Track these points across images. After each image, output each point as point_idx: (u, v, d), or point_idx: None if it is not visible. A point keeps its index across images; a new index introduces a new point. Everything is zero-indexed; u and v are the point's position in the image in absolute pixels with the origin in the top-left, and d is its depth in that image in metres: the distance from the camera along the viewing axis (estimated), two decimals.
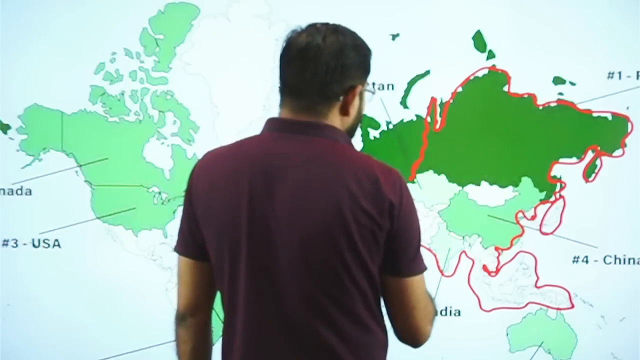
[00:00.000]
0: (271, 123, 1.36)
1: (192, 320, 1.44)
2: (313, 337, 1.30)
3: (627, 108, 2.25)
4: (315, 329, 1.30)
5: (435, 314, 1.41)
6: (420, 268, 1.34)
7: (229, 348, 1.38)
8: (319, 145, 1.31)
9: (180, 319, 1.45)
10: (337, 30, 1.35)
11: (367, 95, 1.41)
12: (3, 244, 2.43)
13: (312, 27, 1.35)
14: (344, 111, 1.34)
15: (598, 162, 2.27)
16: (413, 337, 1.36)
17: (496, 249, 2.32)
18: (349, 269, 1.28)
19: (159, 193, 2.36)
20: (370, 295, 1.32)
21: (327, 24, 1.37)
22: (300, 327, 1.30)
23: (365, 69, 1.37)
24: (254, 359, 1.33)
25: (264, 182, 1.29)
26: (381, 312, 1.37)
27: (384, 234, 1.28)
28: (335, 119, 1.34)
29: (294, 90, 1.33)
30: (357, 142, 2.29)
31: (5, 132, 2.39)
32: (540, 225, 2.30)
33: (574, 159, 2.28)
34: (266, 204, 1.28)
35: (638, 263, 2.29)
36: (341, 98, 1.33)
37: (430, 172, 2.31)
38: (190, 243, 1.39)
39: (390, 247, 1.30)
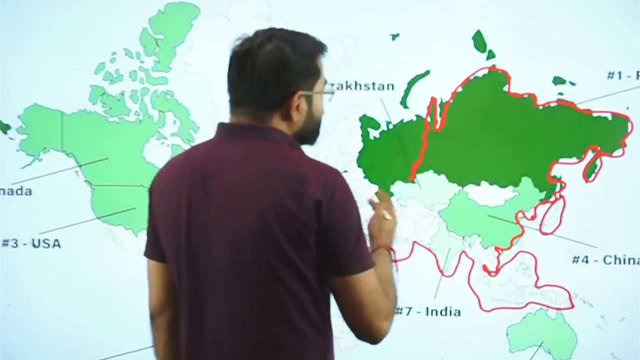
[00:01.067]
0: (219, 128, 1.39)
1: (159, 319, 1.48)
2: (243, 343, 1.31)
3: (627, 108, 2.25)
4: (245, 334, 1.30)
5: (394, 308, 1.39)
6: (363, 265, 1.31)
7: (182, 349, 1.42)
8: (255, 147, 1.32)
9: (151, 319, 1.50)
10: (275, 37, 1.34)
11: (326, 95, 1.42)
12: (3, 244, 2.43)
13: (254, 35, 1.36)
14: (286, 117, 1.34)
15: (598, 162, 2.27)
16: (366, 334, 1.35)
17: (496, 249, 2.32)
18: (276, 272, 1.27)
19: None
20: (306, 299, 1.30)
21: (269, 30, 1.37)
22: (232, 333, 1.31)
23: (309, 74, 1.35)
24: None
25: (202, 187, 1.32)
26: (324, 315, 1.35)
27: (313, 233, 1.26)
28: (279, 123, 1.35)
29: (235, 98, 1.36)
30: (357, 142, 2.31)
31: (5, 132, 2.39)
32: (540, 225, 2.30)
33: (574, 159, 2.28)
34: (203, 208, 1.31)
35: (638, 263, 2.29)
36: (282, 105, 1.33)
37: (430, 172, 2.31)
38: (153, 246, 1.44)
39: (325, 247, 1.28)
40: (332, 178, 1.29)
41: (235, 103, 1.36)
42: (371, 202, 1.64)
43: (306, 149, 2.31)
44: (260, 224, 1.26)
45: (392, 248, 1.53)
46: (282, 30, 1.38)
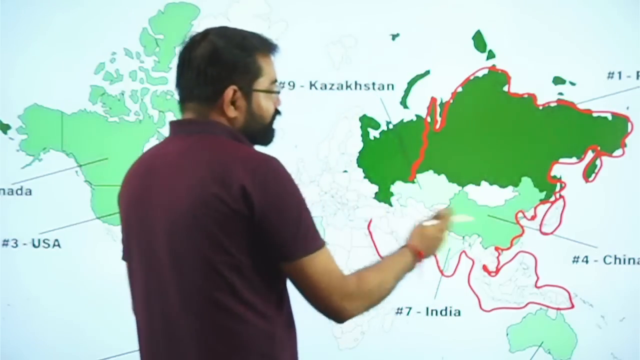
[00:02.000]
0: (169, 126, 1.42)
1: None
2: (189, 331, 1.32)
3: (627, 108, 2.25)
4: (188, 322, 1.31)
5: (366, 293, 1.36)
6: (308, 248, 1.29)
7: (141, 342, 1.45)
8: (193, 140, 1.33)
9: (136, 321, 1.50)
10: (210, 34, 1.35)
11: (274, 96, 1.41)
12: (3, 244, 2.43)
13: (194, 34, 1.38)
14: (222, 112, 1.34)
15: (598, 162, 2.27)
16: (328, 314, 1.34)
17: (496, 249, 2.32)
18: (208, 259, 1.27)
19: None
20: (242, 285, 1.29)
21: (206, 29, 1.38)
22: (176, 322, 1.33)
23: (246, 69, 1.34)
24: (150, 357, 1.40)
25: (146, 186, 1.35)
26: (268, 300, 1.33)
27: (245, 221, 1.25)
28: (219, 119, 1.35)
29: (179, 95, 1.38)
30: (357, 142, 2.31)
31: (5, 132, 2.39)
32: (540, 225, 2.30)
33: (574, 159, 2.28)
34: (147, 206, 1.34)
35: (638, 263, 2.29)
36: (217, 100, 1.33)
37: (430, 172, 2.31)
38: (125, 249, 1.46)
39: (264, 234, 1.27)
40: (263, 164, 1.28)
41: (180, 100, 1.39)
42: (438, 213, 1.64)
43: (306, 149, 2.32)
44: (191, 214, 1.27)
45: (418, 250, 1.52)
46: (224, 27, 1.40)
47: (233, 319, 1.30)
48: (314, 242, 1.31)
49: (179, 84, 1.38)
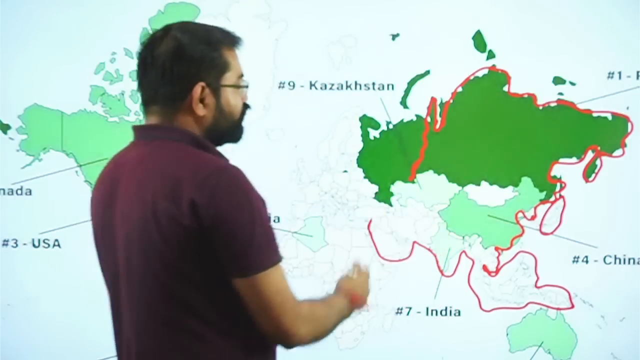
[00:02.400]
0: (133, 131, 1.36)
1: None
2: (145, 348, 1.29)
3: (627, 108, 2.25)
4: (145, 339, 1.28)
5: (314, 320, 1.29)
6: (262, 265, 1.21)
7: None
8: (153, 148, 1.28)
9: None
10: (172, 29, 1.29)
11: (242, 90, 1.35)
12: (3, 244, 2.43)
13: (156, 30, 1.33)
14: (191, 111, 1.28)
15: (598, 162, 2.27)
16: (276, 337, 1.25)
17: (496, 249, 2.32)
18: (159, 277, 1.23)
19: None
20: (199, 302, 1.23)
21: (168, 25, 1.32)
22: (136, 339, 1.30)
23: (212, 64, 1.28)
24: None
25: (110, 194, 1.31)
26: (229, 317, 1.25)
27: (196, 235, 1.19)
28: (186, 120, 1.29)
29: (143, 97, 1.33)
30: (357, 142, 2.31)
31: (5, 132, 2.39)
32: (540, 225, 2.30)
33: (574, 159, 2.28)
34: (111, 213, 1.30)
35: (638, 263, 2.29)
36: (185, 98, 1.27)
37: (430, 172, 2.31)
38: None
39: (215, 248, 1.20)
40: (214, 175, 1.20)
41: (144, 102, 1.33)
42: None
43: (306, 149, 2.32)
44: (142, 228, 1.22)
45: (354, 295, 1.44)
46: (186, 22, 1.35)
47: (192, 339, 1.24)
48: (268, 258, 1.22)
49: (142, 86, 1.32)
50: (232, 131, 1.35)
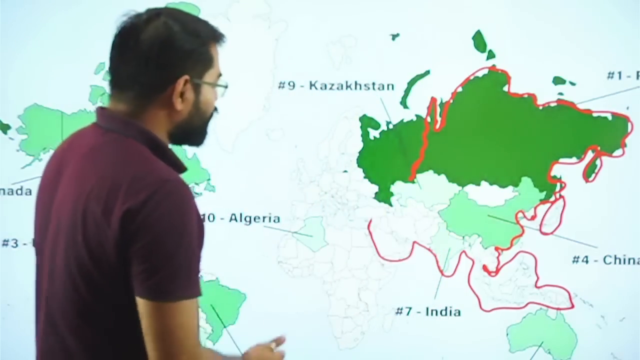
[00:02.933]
0: (96, 112, 1.28)
1: None
2: (52, 350, 1.23)
3: (627, 108, 2.25)
4: (53, 343, 1.22)
5: (206, 358, 1.20)
6: (176, 294, 1.11)
7: None
8: (105, 140, 1.20)
9: None
10: (163, 14, 1.22)
11: (216, 90, 1.29)
12: (3, 244, 2.42)
13: (143, 12, 1.24)
14: (168, 104, 1.21)
15: (598, 162, 2.27)
16: None
17: (496, 249, 2.32)
18: (75, 282, 1.16)
19: None
20: (110, 318, 1.16)
21: (159, 8, 1.26)
22: (44, 339, 1.25)
23: (199, 59, 1.22)
24: None
25: (56, 174, 1.24)
26: (128, 333, 1.16)
27: (116, 244, 1.11)
28: (157, 114, 1.21)
29: (113, 79, 1.24)
30: (357, 142, 2.31)
31: (5, 132, 2.39)
32: (540, 225, 2.30)
33: (574, 159, 2.27)
34: (51, 196, 1.23)
35: (638, 263, 2.29)
36: (165, 90, 1.20)
37: (430, 172, 2.31)
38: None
39: (131, 261, 1.11)
40: (152, 188, 1.11)
41: (114, 85, 1.24)
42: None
43: (306, 149, 2.32)
44: (70, 228, 1.16)
45: None
46: (174, 9, 1.29)
47: (89, 346, 1.18)
48: (184, 288, 1.12)
49: (116, 68, 1.23)
50: (200, 132, 1.30)
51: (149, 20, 1.21)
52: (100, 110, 1.26)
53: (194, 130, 1.28)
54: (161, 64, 1.19)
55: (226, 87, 1.31)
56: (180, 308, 1.12)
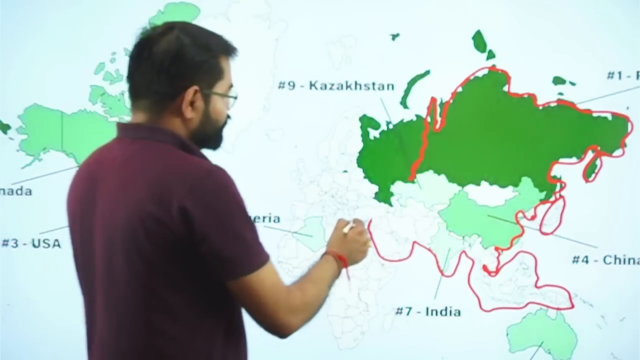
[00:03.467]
0: (117, 127, 1.36)
1: None
2: (117, 348, 1.30)
3: (627, 108, 2.25)
4: (118, 339, 1.29)
5: (307, 306, 1.32)
6: (253, 265, 1.24)
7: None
8: (136, 148, 1.28)
9: None
10: (176, 28, 1.29)
11: (229, 100, 1.36)
12: (3, 244, 2.43)
13: (158, 25, 1.32)
14: (179, 112, 1.28)
15: (598, 162, 2.27)
16: (273, 330, 1.29)
17: (496, 249, 2.32)
18: (142, 279, 1.23)
19: None
20: (179, 304, 1.25)
21: (173, 22, 1.33)
22: (109, 339, 1.31)
23: (209, 70, 1.30)
24: None
25: (91, 192, 1.31)
26: (208, 318, 1.28)
27: (184, 240, 1.21)
28: (172, 121, 1.29)
29: (132, 89, 1.32)
30: (357, 142, 2.31)
31: (5, 132, 2.39)
32: (540, 225, 2.30)
33: (574, 159, 2.28)
34: (91, 212, 1.30)
35: (638, 263, 2.29)
36: (176, 98, 1.28)
37: (430, 172, 2.31)
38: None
39: (206, 253, 1.22)
40: (203, 180, 1.21)
41: (132, 94, 1.32)
42: (341, 220, 1.58)
43: (306, 149, 2.32)
44: (127, 231, 1.22)
45: (341, 257, 1.47)
46: (189, 24, 1.36)
47: (165, 341, 1.26)
48: (258, 258, 1.26)
49: (133, 78, 1.31)
50: (215, 138, 1.37)
51: (163, 33, 1.29)
52: (123, 125, 1.35)
53: (208, 137, 1.35)
54: (172, 74, 1.27)
55: (235, 98, 1.38)
56: (262, 275, 1.25)
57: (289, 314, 1.28)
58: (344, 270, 1.48)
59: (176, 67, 1.27)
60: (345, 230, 1.52)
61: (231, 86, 1.36)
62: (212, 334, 1.29)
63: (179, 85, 1.27)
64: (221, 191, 1.23)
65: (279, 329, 1.29)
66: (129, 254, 1.23)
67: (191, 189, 1.20)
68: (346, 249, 1.50)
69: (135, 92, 1.31)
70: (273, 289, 1.26)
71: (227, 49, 1.34)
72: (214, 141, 1.38)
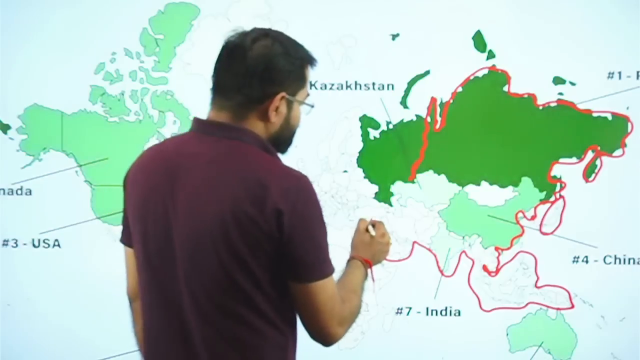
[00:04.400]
0: (194, 122, 1.40)
1: (135, 304, 1.50)
2: (198, 334, 1.33)
3: (627, 108, 2.25)
4: (200, 327, 1.32)
5: (351, 316, 1.40)
6: (323, 273, 1.32)
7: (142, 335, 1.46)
8: (224, 147, 1.33)
9: (129, 303, 1.53)
10: (270, 36, 1.36)
11: (303, 108, 1.42)
12: (3, 244, 2.43)
13: (250, 30, 1.37)
14: (264, 116, 1.34)
15: (598, 162, 2.27)
16: (320, 338, 1.36)
17: (496, 249, 2.32)
18: (230, 273, 1.28)
19: None
20: (261, 299, 1.31)
21: (264, 29, 1.38)
22: (188, 325, 1.33)
23: (296, 79, 1.37)
24: (152, 351, 1.41)
25: (169, 182, 1.33)
26: (282, 313, 1.36)
27: (273, 241, 1.27)
28: (256, 123, 1.35)
29: (218, 88, 1.37)
30: (357, 142, 2.31)
31: (5, 132, 2.40)
32: (540, 225, 2.30)
33: (574, 159, 2.28)
34: (169, 203, 1.33)
35: (638, 263, 2.29)
36: (264, 102, 1.34)
37: (430, 172, 2.31)
38: (127, 233, 1.46)
39: (286, 254, 1.29)
40: (295, 186, 1.30)
41: (218, 92, 1.37)
42: (363, 220, 1.66)
43: (305, 148, 2.32)
44: (218, 227, 1.27)
45: (367, 260, 1.54)
46: (279, 32, 1.40)
47: (251, 333, 1.32)
48: (328, 267, 1.34)
49: (222, 77, 1.36)
50: (287, 143, 1.44)
51: (256, 39, 1.34)
52: (204, 121, 1.38)
53: (283, 141, 1.42)
54: (264, 80, 1.33)
55: (312, 106, 1.45)
56: (329, 282, 1.33)
57: (338, 325, 1.35)
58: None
59: (269, 73, 1.32)
60: (373, 233, 1.59)
61: (308, 95, 1.43)
62: (288, 332, 1.37)
63: (268, 90, 1.33)
64: (310, 198, 1.32)
65: (327, 337, 1.36)
66: (218, 248, 1.28)
67: (286, 192, 1.27)
68: (370, 251, 1.57)
69: (221, 93, 1.36)
70: (332, 299, 1.34)
71: (312, 60, 1.41)
72: (287, 145, 1.44)
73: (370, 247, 1.58)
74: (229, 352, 1.32)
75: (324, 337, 1.35)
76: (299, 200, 1.28)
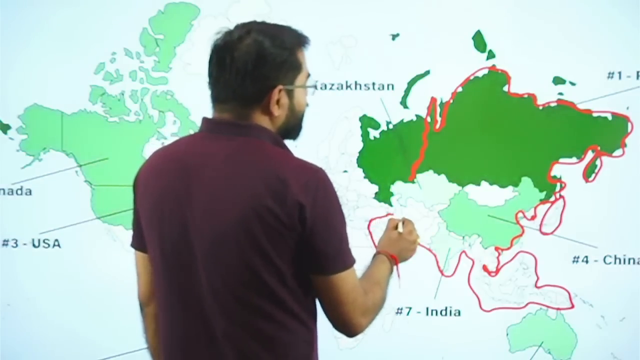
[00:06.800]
0: (203, 123, 1.39)
1: (147, 309, 1.49)
2: (223, 333, 1.32)
3: (627, 108, 2.25)
4: (225, 326, 1.32)
5: (374, 307, 1.42)
6: (345, 264, 1.33)
7: (160, 340, 1.45)
8: (237, 145, 1.32)
9: (140, 308, 1.52)
10: (253, 30, 1.33)
11: (308, 90, 1.40)
12: (3, 244, 2.43)
13: (234, 28, 1.35)
14: (267, 111, 1.33)
15: (598, 162, 2.27)
16: (344, 329, 1.37)
17: (496, 249, 2.32)
18: (255, 270, 1.28)
19: None
20: (285, 294, 1.32)
21: (248, 24, 1.36)
22: (212, 325, 1.33)
23: (290, 67, 1.34)
24: (174, 355, 1.39)
25: (184, 182, 1.32)
26: (306, 307, 1.36)
27: (295, 235, 1.27)
28: (261, 118, 1.34)
29: (216, 94, 1.36)
30: (357, 142, 2.31)
31: (5, 132, 2.40)
32: (540, 225, 2.30)
33: (574, 159, 2.28)
34: (185, 203, 1.32)
35: (638, 263, 2.29)
36: (263, 99, 1.32)
37: (430, 172, 2.31)
38: (138, 236, 1.45)
39: (308, 247, 1.29)
40: (314, 179, 1.30)
41: (217, 99, 1.36)
42: (392, 219, 1.66)
43: (305, 148, 2.32)
44: (240, 224, 1.27)
45: (393, 256, 1.54)
46: (261, 23, 1.38)
47: (279, 329, 1.32)
48: (349, 258, 1.34)
49: (217, 83, 1.34)
50: (297, 129, 1.42)
51: (240, 38, 1.32)
52: (213, 121, 1.37)
53: (292, 129, 1.40)
54: (256, 77, 1.31)
55: (315, 87, 1.43)
56: (351, 274, 1.34)
57: (361, 316, 1.36)
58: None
59: (259, 70, 1.30)
60: (401, 229, 1.60)
61: (309, 75, 1.40)
62: (312, 325, 1.38)
63: (264, 86, 1.32)
64: (329, 190, 1.32)
65: (351, 328, 1.36)
66: (241, 245, 1.27)
67: (305, 185, 1.27)
68: (397, 248, 1.57)
69: (220, 97, 1.35)
70: (354, 290, 1.34)
71: (301, 41, 1.37)
72: (296, 132, 1.42)
73: (397, 244, 1.58)
74: (257, 350, 1.32)
75: (348, 327, 1.36)
76: (319, 193, 1.28)
